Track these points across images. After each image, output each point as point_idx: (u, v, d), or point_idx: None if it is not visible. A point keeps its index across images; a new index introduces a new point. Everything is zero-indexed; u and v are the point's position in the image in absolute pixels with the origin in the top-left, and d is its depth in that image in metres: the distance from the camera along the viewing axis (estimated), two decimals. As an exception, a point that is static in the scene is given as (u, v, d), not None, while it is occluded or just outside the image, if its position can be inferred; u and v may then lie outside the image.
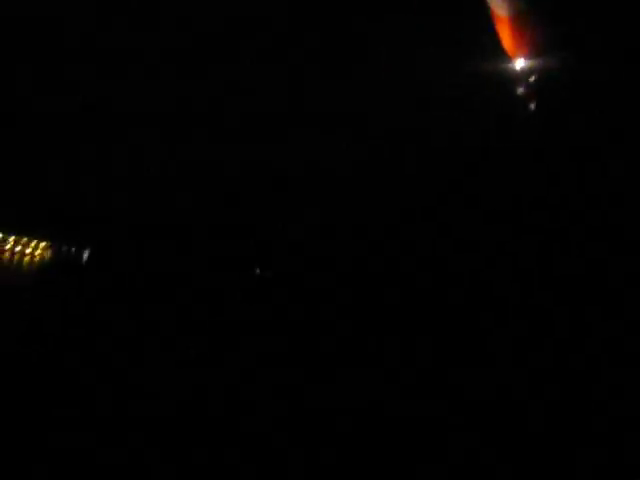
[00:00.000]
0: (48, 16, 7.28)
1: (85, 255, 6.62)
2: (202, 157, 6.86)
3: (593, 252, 5.81)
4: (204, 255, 6.52)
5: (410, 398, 5.33)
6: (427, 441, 5.05)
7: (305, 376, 5.52)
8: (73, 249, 6.69)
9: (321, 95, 6.83)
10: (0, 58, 7.24)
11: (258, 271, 6.45)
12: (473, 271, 6.01)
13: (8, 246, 6.82)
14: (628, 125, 6.03)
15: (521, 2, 6.12)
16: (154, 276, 6.37)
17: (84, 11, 7.30)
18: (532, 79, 6.38)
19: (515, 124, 6.40)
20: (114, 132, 7.00)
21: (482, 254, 6.07)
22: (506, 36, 6.32)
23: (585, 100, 6.14)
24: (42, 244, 6.80)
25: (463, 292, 5.93)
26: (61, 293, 6.30)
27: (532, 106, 6.40)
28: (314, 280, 6.21)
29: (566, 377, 5.28)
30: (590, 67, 6.08)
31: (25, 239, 6.80)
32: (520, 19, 6.17)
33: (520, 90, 6.41)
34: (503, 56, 6.45)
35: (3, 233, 6.88)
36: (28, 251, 6.79)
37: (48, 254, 6.79)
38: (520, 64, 6.41)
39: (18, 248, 6.82)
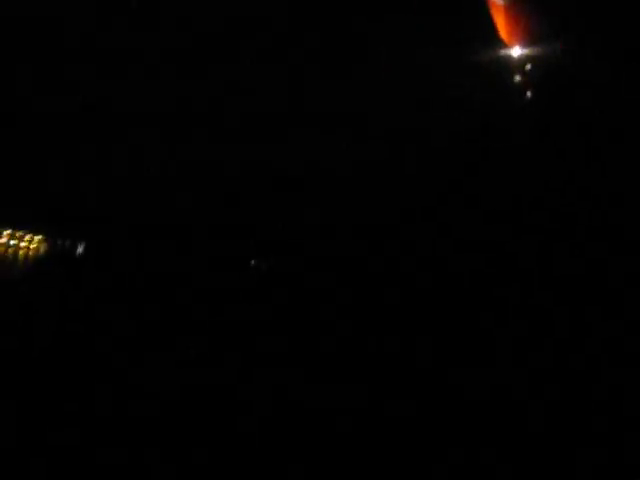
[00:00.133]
0: (48, 16, 7.28)
1: (80, 249, 6.62)
2: (202, 157, 6.86)
3: (593, 252, 5.81)
4: (204, 255, 6.52)
5: (410, 398, 5.33)
6: (427, 441, 5.05)
7: (305, 376, 5.52)
8: (68, 243, 6.69)
9: (321, 95, 6.83)
10: (0, 58, 7.24)
11: (258, 271, 6.45)
12: (473, 271, 6.01)
13: (3, 240, 6.81)
14: (627, 116, 6.02)
15: None
16: (154, 276, 6.37)
17: (84, 11, 7.30)
18: (529, 67, 6.37)
19: (513, 118, 6.39)
20: (114, 132, 7.00)
21: (482, 254, 6.07)
22: (503, 24, 6.30)
23: (582, 89, 6.13)
24: (37, 238, 6.79)
25: (463, 292, 5.93)
26: (57, 288, 6.30)
27: (529, 94, 6.39)
28: (314, 280, 6.21)
29: (566, 377, 5.27)
30: (588, 56, 6.08)
31: (20, 233, 6.80)
32: (517, 7, 6.15)
33: (517, 78, 6.40)
34: (500, 44, 6.44)
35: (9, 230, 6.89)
36: (23, 245, 6.79)
37: (43, 248, 6.79)
38: (517, 52, 6.40)
39: (13, 242, 6.82)
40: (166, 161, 6.88)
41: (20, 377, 5.42)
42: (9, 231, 6.75)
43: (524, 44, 6.34)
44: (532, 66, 6.32)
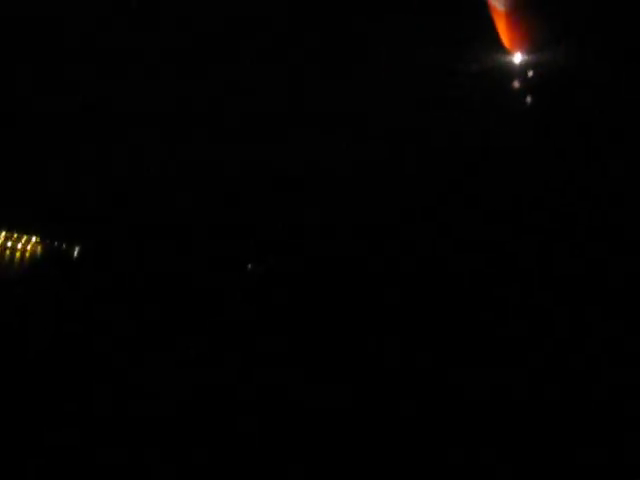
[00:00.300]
0: (48, 16, 7.28)
1: (76, 251, 6.62)
2: (202, 157, 6.86)
3: (593, 252, 5.81)
4: (204, 255, 6.52)
5: (410, 398, 5.32)
6: (427, 441, 5.05)
7: (305, 376, 5.52)
8: (64, 245, 6.69)
9: (321, 95, 6.83)
10: (0, 58, 7.24)
11: (257, 271, 6.45)
12: (473, 271, 6.01)
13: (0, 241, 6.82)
14: (628, 121, 6.03)
15: None
16: (154, 276, 6.37)
17: (84, 11, 7.30)
18: (530, 73, 6.39)
19: (513, 119, 6.41)
20: (114, 132, 7.00)
21: (482, 254, 6.07)
22: (504, 30, 6.32)
23: (584, 94, 6.15)
24: (33, 239, 6.80)
25: (463, 292, 5.93)
26: (55, 289, 6.30)
27: (531, 100, 6.41)
28: (314, 280, 6.21)
29: (566, 377, 5.27)
30: (589, 61, 6.10)
31: (16, 235, 6.81)
32: (519, 13, 6.17)
33: (518, 85, 6.42)
34: (501, 50, 6.46)
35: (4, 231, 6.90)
36: (20, 246, 6.79)
37: (39, 249, 6.79)
38: (518, 58, 6.42)
39: (9, 243, 6.82)
40: (166, 161, 6.88)
41: (17, 377, 5.42)
42: (4, 233, 6.76)
43: (525, 50, 6.37)
44: (533, 71, 6.35)
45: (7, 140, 7.07)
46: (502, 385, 5.28)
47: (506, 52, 6.40)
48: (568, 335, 5.50)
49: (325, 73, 6.96)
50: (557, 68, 6.26)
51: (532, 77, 6.37)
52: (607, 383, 5.15)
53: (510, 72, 6.43)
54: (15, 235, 6.73)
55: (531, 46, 6.30)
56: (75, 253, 6.65)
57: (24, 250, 6.75)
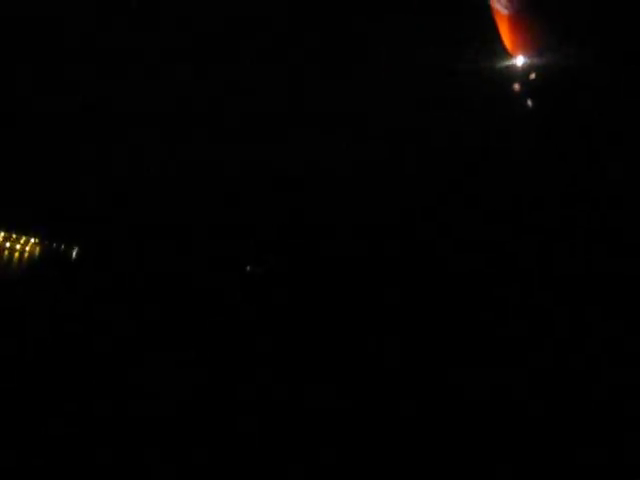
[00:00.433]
0: (48, 16, 7.28)
1: (75, 252, 6.62)
2: (202, 157, 6.86)
3: (593, 252, 5.82)
4: (204, 255, 6.52)
5: (410, 398, 5.32)
6: (427, 440, 5.05)
7: (305, 376, 5.52)
8: (63, 245, 6.69)
9: (321, 95, 6.83)
10: (0, 58, 7.25)
11: (257, 271, 6.45)
12: (473, 271, 6.01)
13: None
14: (628, 124, 6.05)
15: (522, 1, 6.15)
16: (154, 276, 6.38)
17: (84, 11, 7.31)
18: (532, 76, 6.41)
19: (515, 121, 6.43)
20: (114, 132, 7.01)
21: (482, 254, 6.07)
22: (507, 34, 6.35)
23: (585, 97, 6.17)
24: (31, 240, 6.79)
25: (463, 291, 5.93)
26: (54, 289, 6.30)
27: (532, 103, 6.43)
28: (314, 280, 6.21)
29: (566, 377, 5.27)
30: (590, 64, 6.12)
31: (14, 235, 6.80)
32: (521, 17, 6.19)
33: (520, 87, 6.44)
34: (504, 54, 6.48)
35: (3, 232, 6.89)
36: (18, 247, 6.78)
37: (38, 250, 6.78)
38: (520, 62, 6.44)
39: (8, 244, 6.81)
40: (166, 161, 6.89)
41: (17, 377, 5.42)
42: (3, 233, 6.74)
43: (527, 53, 6.39)
44: (535, 74, 6.38)
45: (7, 140, 7.07)
46: (502, 385, 5.28)
47: (508, 55, 6.44)
48: (568, 335, 5.50)
49: (325, 73, 6.98)
50: (559, 71, 6.30)
51: (534, 80, 6.41)
52: (607, 383, 5.15)
53: (512, 75, 6.46)
54: (14, 235, 6.72)
55: (533, 49, 6.33)
56: (74, 253, 6.64)
57: (23, 250, 6.75)
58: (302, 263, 6.28)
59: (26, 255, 6.61)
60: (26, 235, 6.73)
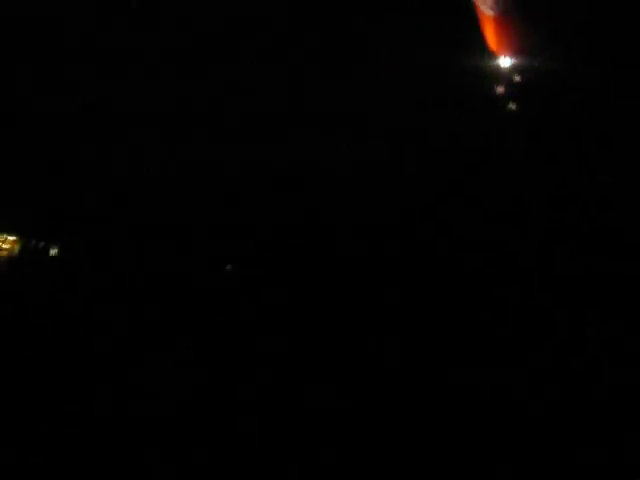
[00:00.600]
0: (48, 16, 7.28)
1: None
2: (202, 157, 6.85)
3: (584, 253, 5.83)
4: (204, 255, 6.50)
5: (410, 398, 5.32)
6: (427, 440, 5.04)
7: (305, 376, 5.51)
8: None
9: (321, 95, 6.83)
10: (0, 58, 7.24)
11: (256, 271, 6.43)
12: (473, 271, 6.00)
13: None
14: (614, 124, 6.10)
15: (510, 2, 6.20)
16: (154, 276, 6.36)
17: (84, 11, 7.30)
18: (518, 77, 6.48)
19: (501, 122, 6.47)
20: (114, 132, 7.00)
21: (482, 254, 6.07)
22: (493, 35, 6.42)
23: (572, 98, 6.22)
24: (10, 238, 6.75)
25: (463, 291, 5.92)
26: (53, 289, 6.29)
27: (518, 103, 6.48)
28: (313, 280, 6.20)
29: (566, 377, 5.27)
30: (576, 65, 6.17)
31: (6, 236, 6.78)
32: (506, 18, 6.25)
33: (506, 88, 6.50)
34: (490, 55, 6.55)
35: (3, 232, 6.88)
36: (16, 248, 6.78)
37: (17, 248, 6.75)
38: (506, 62, 6.52)
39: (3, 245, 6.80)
40: (166, 161, 6.88)
41: (17, 377, 5.43)
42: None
43: (513, 54, 6.46)
44: (521, 75, 6.45)
45: (7, 140, 7.07)
46: (502, 385, 5.28)
47: (494, 56, 6.51)
48: (568, 335, 5.50)
49: (325, 73, 6.97)
50: (544, 72, 6.36)
51: (519, 81, 6.48)
52: (607, 383, 5.15)
53: (498, 75, 6.53)
54: (6, 237, 6.72)
55: (519, 50, 6.40)
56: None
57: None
58: (302, 263, 6.27)
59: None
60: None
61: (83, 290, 6.26)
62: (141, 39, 7.10)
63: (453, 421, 5.14)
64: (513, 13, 6.22)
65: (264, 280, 6.31)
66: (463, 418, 5.11)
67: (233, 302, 6.12)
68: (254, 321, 5.93)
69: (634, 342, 5.35)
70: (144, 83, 7.04)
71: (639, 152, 6.11)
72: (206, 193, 6.77)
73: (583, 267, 5.80)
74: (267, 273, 6.38)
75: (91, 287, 6.22)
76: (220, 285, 6.29)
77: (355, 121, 6.78)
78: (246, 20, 7.15)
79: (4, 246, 6.72)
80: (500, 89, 6.60)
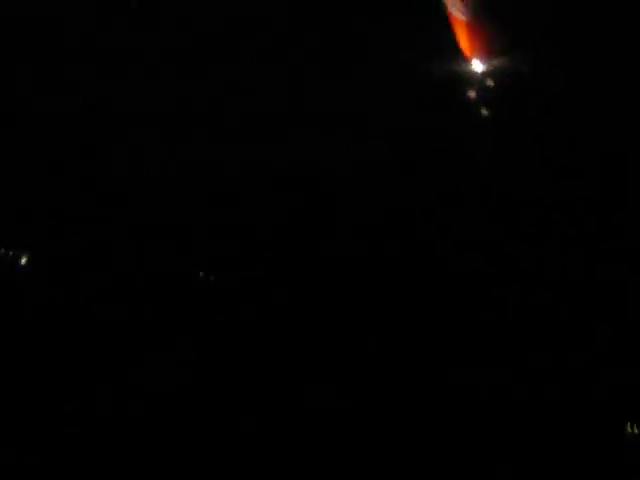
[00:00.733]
0: (48, 16, 7.29)
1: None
2: (202, 157, 6.86)
3: (545, 255, 5.87)
4: (204, 255, 6.50)
5: (410, 399, 5.32)
6: (428, 441, 5.05)
7: (305, 376, 5.52)
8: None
9: (321, 95, 6.84)
10: (0, 58, 7.25)
11: (256, 271, 6.43)
12: (473, 271, 6.01)
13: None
14: (581, 127, 6.15)
15: (479, 6, 6.25)
16: (154, 276, 6.36)
17: (84, 11, 7.32)
18: (489, 80, 6.53)
19: (472, 124, 6.52)
20: (114, 132, 7.01)
21: (482, 254, 6.07)
22: (463, 39, 6.48)
23: (540, 100, 6.28)
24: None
25: (462, 291, 5.92)
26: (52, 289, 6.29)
27: (488, 106, 6.54)
28: (313, 280, 6.20)
29: (566, 377, 5.28)
30: (545, 68, 6.24)
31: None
32: (477, 22, 6.31)
33: (477, 91, 6.56)
34: (461, 58, 6.60)
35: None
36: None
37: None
38: (477, 65, 6.58)
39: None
40: (166, 161, 6.89)
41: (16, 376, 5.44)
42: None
43: (484, 57, 6.51)
44: (492, 78, 6.50)
45: (7, 140, 7.08)
46: (502, 385, 5.28)
47: (465, 59, 6.57)
48: (568, 335, 5.51)
49: (325, 73, 6.99)
50: (515, 75, 6.42)
51: (490, 84, 6.53)
52: (607, 383, 5.16)
53: (469, 78, 6.57)
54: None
55: (489, 53, 6.45)
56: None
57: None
58: (302, 263, 6.27)
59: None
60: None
61: (82, 290, 6.27)
62: (141, 39, 7.12)
63: (452, 420, 5.14)
64: (484, 17, 6.29)
65: (264, 280, 6.31)
66: (462, 418, 5.12)
67: (233, 302, 6.12)
68: (254, 321, 5.93)
69: (634, 341, 5.36)
70: (144, 83, 7.05)
71: (606, 155, 6.16)
72: (206, 193, 6.78)
73: (582, 268, 5.81)
74: (267, 273, 6.38)
75: (90, 287, 6.23)
76: (220, 285, 6.29)
77: (355, 121, 6.82)
78: (246, 20, 7.16)
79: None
80: (471, 92, 6.67)
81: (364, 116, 6.72)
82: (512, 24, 6.29)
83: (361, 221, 6.38)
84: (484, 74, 6.56)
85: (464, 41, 6.49)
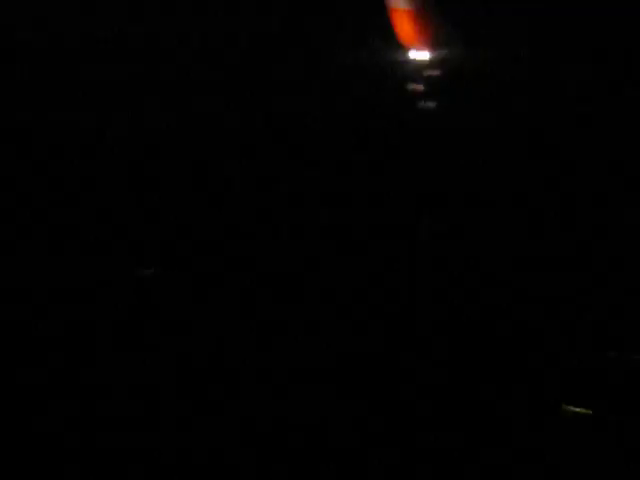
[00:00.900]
0: (48, 16, 7.32)
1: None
2: (202, 155, 6.88)
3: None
4: (205, 252, 6.50)
5: (408, 398, 5.31)
6: (429, 446, 5.03)
7: (305, 377, 5.51)
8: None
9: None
10: (0, 57, 7.29)
11: (257, 271, 6.43)
12: (473, 270, 6.00)
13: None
14: (525, 115, 6.11)
15: None
16: (154, 276, 6.37)
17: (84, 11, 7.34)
18: (428, 70, 6.51)
19: (413, 114, 6.49)
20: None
21: (482, 253, 6.07)
22: (404, 29, 6.44)
23: (484, 90, 6.25)
24: None
25: (463, 291, 5.92)
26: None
27: (431, 97, 6.51)
28: (313, 280, 6.20)
29: (566, 377, 5.27)
30: (489, 58, 6.20)
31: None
32: (418, 13, 6.27)
33: (418, 81, 6.53)
34: (400, 48, 6.55)
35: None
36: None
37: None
38: (417, 55, 6.55)
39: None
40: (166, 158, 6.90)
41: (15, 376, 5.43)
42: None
43: (426, 48, 6.47)
44: (433, 69, 6.48)
45: (8, 141, 7.10)
46: (502, 385, 5.28)
47: (405, 49, 6.53)
48: (568, 335, 5.50)
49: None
50: (456, 65, 6.38)
51: (431, 73, 6.50)
52: (607, 383, 5.15)
53: (409, 68, 6.53)
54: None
55: (430, 44, 6.42)
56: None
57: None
58: (300, 263, 6.28)
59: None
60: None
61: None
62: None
63: (453, 420, 5.13)
64: (424, 8, 6.27)
65: (263, 280, 6.31)
66: (462, 418, 5.10)
67: (234, 299, 6.12)
68: (254, 320, 5.93)
69: (634, 340, 5.35)
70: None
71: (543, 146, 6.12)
72: (206, 190, 6.77)
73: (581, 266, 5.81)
74: (267, 273, 6.38)
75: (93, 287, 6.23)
76: (222, 284, 6.29)
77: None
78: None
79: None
80: (406, 82, 6.64)
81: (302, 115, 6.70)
82: (455, 15, 6.28)
83: (360, 221, 6.37)
84: (426, 64, 6.54)
85: (404, 31, 6.47)
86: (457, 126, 6.31)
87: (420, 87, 6.48)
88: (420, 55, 6.37)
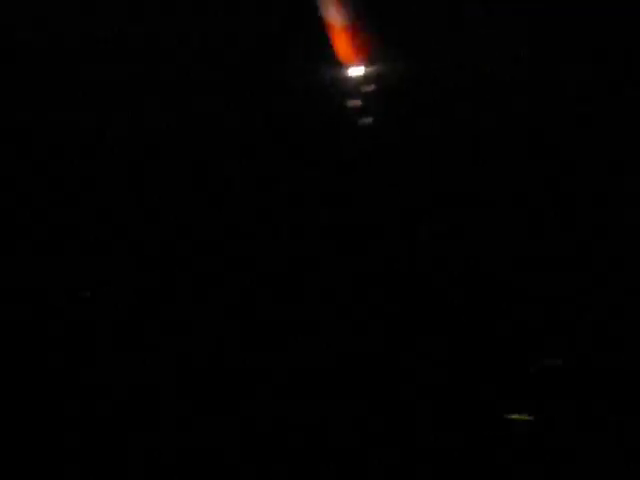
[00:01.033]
0: (48, 16, 7.30)
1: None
2: (202, 155, 6.87)
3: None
4: (205, 253, 6.51)
5: (407, 398, 5.32)
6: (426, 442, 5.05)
7: (304, 379, 5.53)
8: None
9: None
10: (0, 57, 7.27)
11: (257, 271, 6.43)
12: (473, 270, 6.00)
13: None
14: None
15: (355, 11, 6.16)
16: (154, 276, 6.37)
17: (84, 11, 7.33)
18: (366, 86, 6.49)
19: (353, 133, 6.48)
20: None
21: (481, 253, 6.07)
22: (339, 44, 6.37)
23: (423, 106, 6.24)
24: None
25: (462, 291, 5.92)
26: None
27: (368, 113, 6.50)
28: (312, 280, 6.21)
29: (566, 377, 5.27)
30: (428, 72, 6.19)
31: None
32: (354, 27, 6.23)
33: (355, 98, 6.51)
34: (337, 64, 6.51)
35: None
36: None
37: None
38: (354, 72, 6.50)
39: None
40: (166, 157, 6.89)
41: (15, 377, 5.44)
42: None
43: (362, 64, 6.43)
44: (370, 85, 6.45)
45: (7, 140, 7.10)
46: (502, 385, 5.29)
47: (342, 66, 6.49)
48: (568, 335, 5.51)
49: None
50: (394, 82, 6.36)
51: (369, 90, 6.47)
52: (607, 383, 5.16)
53: (345, 85, 6.51)
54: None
55: (367, 59, 6.39)
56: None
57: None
58: (300, 263, 6.28)
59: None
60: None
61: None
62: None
63: (452, 421, 5.14)
64: (361, 22, 6.22)
65: (264, 280, 6.31)
66: (461, 419, 5.12)
67: (232, 302, 6.13)
68: (255, 321, 5.94)
69: (634, 340, 5.36)
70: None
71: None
72: (206, 190, 6.78)
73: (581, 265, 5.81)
74: (268, 273, 6.38)
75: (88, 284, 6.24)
76: (223, 284, 6.29)
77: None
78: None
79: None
80: (343, 100, 6.61)
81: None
82: (392, 29, 6.24)
83: (360, 220, 6.38)
84: (362, 80, 6.50)
85: (340, 47, 6.40)
86: (395, 142, 6.31)
87: (357, 102, 6.46)
88: (356, 71, 6.31)
